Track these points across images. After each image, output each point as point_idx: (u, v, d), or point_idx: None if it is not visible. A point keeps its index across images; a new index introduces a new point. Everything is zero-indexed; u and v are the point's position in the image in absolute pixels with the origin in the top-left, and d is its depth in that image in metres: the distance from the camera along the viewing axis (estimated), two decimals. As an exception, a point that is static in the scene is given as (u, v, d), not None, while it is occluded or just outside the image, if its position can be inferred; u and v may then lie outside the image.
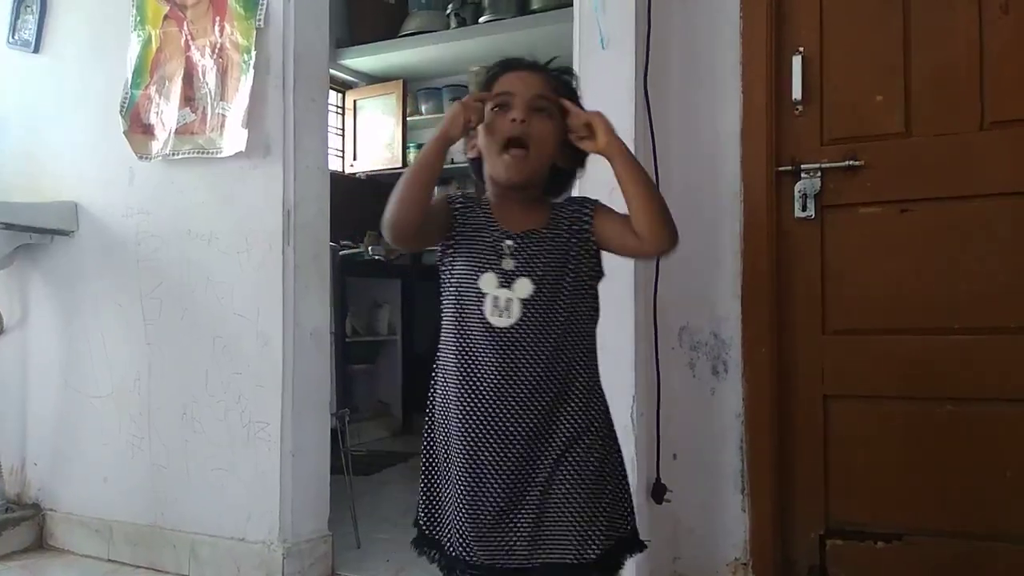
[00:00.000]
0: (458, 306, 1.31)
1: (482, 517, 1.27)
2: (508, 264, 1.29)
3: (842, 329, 2.00)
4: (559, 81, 1.35)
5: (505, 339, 1.26)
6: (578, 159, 1.38)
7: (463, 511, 1.28)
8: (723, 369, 2.05)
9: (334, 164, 4.98)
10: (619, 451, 1.33)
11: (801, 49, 2.03)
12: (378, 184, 5.08)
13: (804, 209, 2.01)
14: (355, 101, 5.04)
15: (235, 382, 2.37)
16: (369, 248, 4.61)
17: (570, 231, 1.32)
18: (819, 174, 2.00)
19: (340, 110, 5.05)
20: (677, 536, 2.07)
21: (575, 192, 1.45)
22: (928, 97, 1.93)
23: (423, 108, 4.98)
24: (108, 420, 2.60)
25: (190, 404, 2.45)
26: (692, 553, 2.07)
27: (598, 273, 1.34)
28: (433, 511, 1.35)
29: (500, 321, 1.27)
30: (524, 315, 1.27)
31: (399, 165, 4.89)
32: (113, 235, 2.61)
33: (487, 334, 1.27)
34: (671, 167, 2.04)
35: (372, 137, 5.00)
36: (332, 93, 4.97)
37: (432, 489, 1.35)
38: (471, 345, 1.29)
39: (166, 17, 2.50)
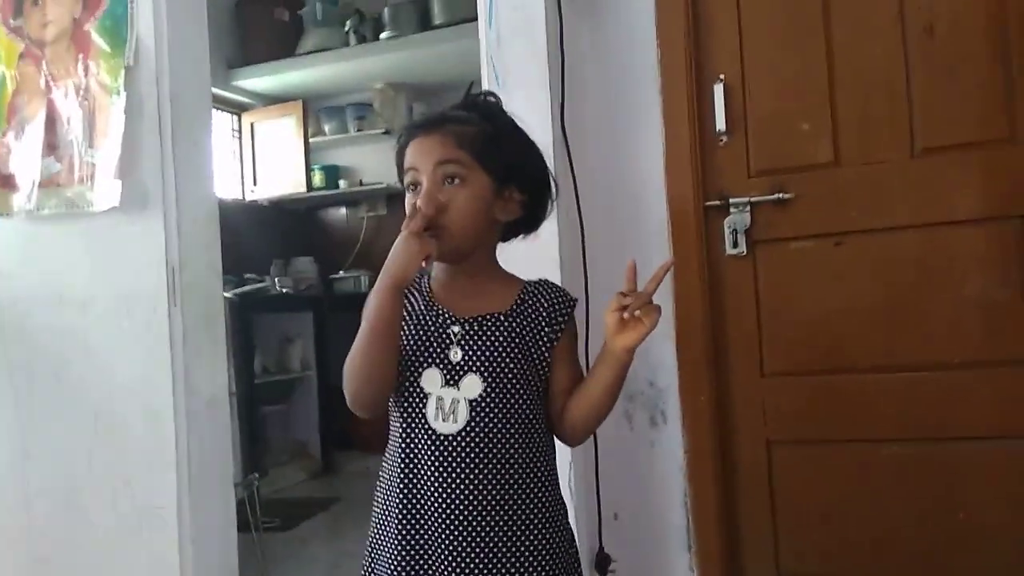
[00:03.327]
0: (400, 407, 1.12)
1: None
2: (455, 355, 1.10)
3: (781, 370, 1.90)
4: (464, 129, 1.14)
5: (450, 449, 1.07)
6: (531, 205, 1.18)
7: None
8: (662, 419, 1.92)
9: (232, 191, 4.68)
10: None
11: (722, 77, 1.91)
12: (282, 210, 4.83)
13: (735, 245, 1.90)
14: (252, 124, 4.75)
15: (122, 463, 2.11)
16: (275, 280, 4.35)
17: (537, 322, 1.13)
18: (748, 208, 1.89)
19: (236, 133, 4.75)
20: (622, 602, 1.93)
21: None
22: (856, 124, 1.85)
23: (326, 127, 4.75)
24: (-20, 511, 2.29)
25: (73, 490, 2.17)
26: (639, 618, 1.94)
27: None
28: None
29: (445, 427, 1.08)
30: (472, 419, 1.08)
31: (303, 189, 4.64)
32: (-27, 302, 2.30)
33: (430, 442, 1.08)
34: (594, 207, 1.90)
35: (273, 160, 4.72)
36: (227, 116, 4.67)
37: None
38: (413, 454, 1.10)
39: (22, 56, 2.21)
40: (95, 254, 2.15)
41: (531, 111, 1.79)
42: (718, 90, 1.90)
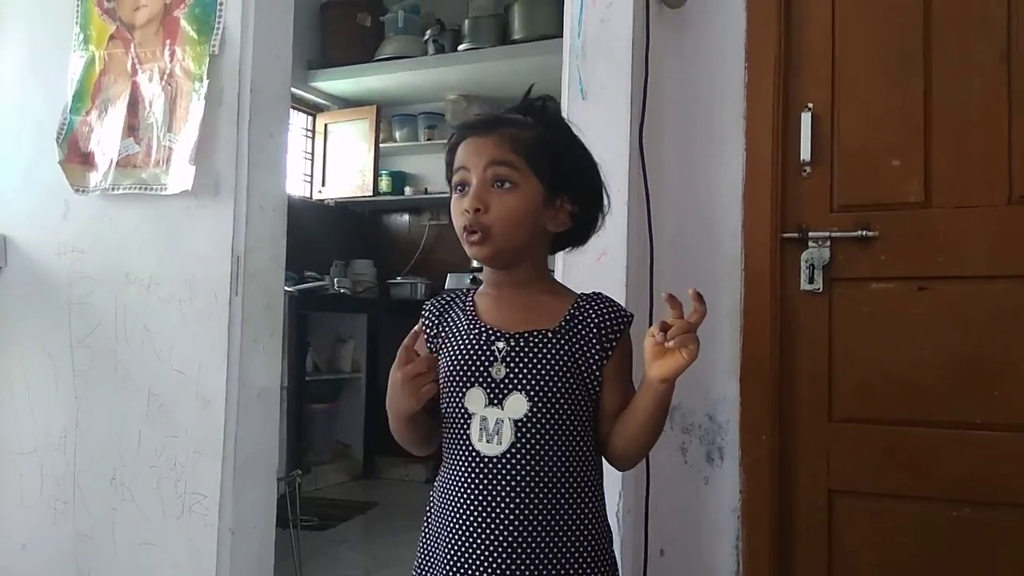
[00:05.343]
0: (445, 428, 1.10)
1: None
2: (498, 372, 1.06)
3: (851, 417, 1.80)
4: (519, 133, 1.10)
5: (494, 471, 1.04)
6: (582, 216, 1.14)
7: None
8: (718, 456, 1.84)
9: (302, 190, 4.74)
10: None
11: (810, 105, 1.84)
12: (347, 212, 4.87)
13: (811, 281, 1.82)
14: (326, 125, 4.81)
15: (170, 446, 2.12)
16: (334, 281, 4.38)
17: (588, 338, 1.08)
18: (828, 243, 1.81)
19: (310, 134, 4.82)
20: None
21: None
22: (950, 165, 1.75)
23: (397, 134, 4.78)
24: (30, 480, 2.32)
25: (120, 468, 2.18)
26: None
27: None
28: None
29: (489, 448, 1.04)
30: (517, 441, 1.04)
31: (370, 193, 4.67)
32: (43, 274, 2.34)
33: (473, 464, 1.05)
34: (664, 231, 1.84)
35: (343, 162, 4.77)
36: (302, 116, 4.75)
37: None
38: (458, 474, 1.06)
39: (112, 37, 2.25)
40: (163, 236, 2.17)
41: (609, 125, 1.76)
42: (805, 119, 1.83)
